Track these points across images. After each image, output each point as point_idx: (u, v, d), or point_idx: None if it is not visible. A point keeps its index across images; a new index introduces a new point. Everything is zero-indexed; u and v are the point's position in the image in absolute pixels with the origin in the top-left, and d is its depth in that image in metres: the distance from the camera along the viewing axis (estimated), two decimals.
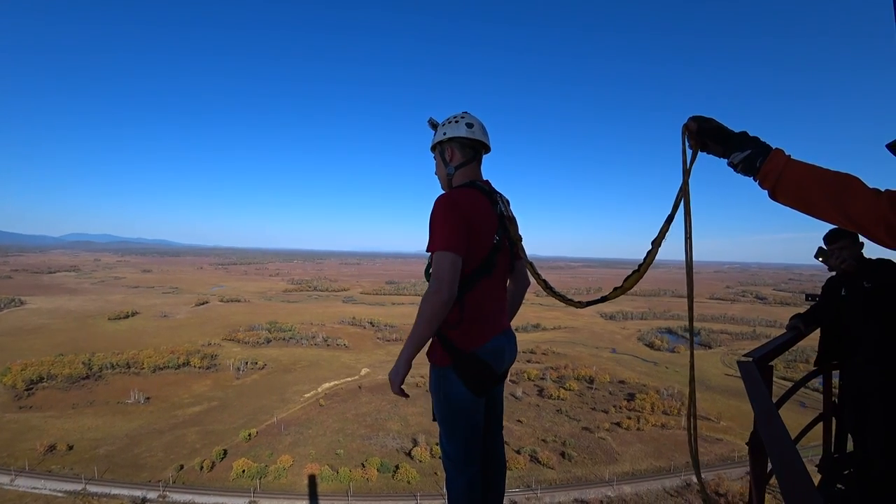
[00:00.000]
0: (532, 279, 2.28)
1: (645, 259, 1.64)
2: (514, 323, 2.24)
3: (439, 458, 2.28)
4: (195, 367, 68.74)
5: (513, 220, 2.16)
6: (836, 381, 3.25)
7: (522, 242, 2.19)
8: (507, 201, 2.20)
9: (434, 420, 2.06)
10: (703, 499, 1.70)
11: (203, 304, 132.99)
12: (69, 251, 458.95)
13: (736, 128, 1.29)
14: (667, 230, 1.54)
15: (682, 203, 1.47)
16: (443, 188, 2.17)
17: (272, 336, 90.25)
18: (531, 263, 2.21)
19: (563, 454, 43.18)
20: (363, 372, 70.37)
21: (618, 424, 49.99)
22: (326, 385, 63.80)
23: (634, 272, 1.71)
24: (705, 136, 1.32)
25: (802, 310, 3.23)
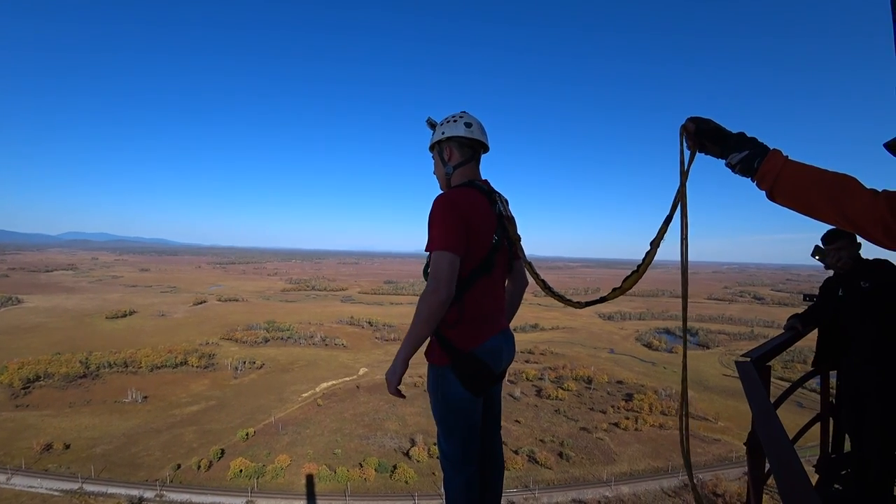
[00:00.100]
0: (531, 279, 2.28)
1: (644, 260, 1.64)
2: (512, 323, 2.23)
3: (437, 457, 2.27)
4: (193, 366, 68.58)
5: (511, 220, 2.16)
6: (833, 381, 3.26)
7: (521, 242, 2.18)
8: (506, 201, 2.20)
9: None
10: (696, 498, 1.70)
11: (201, 303, 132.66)
12: (67, 250, 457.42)
13: (735, 128, 1.29)
14: (665, 231, 1.54)
15: (679, 204, 1.47)
16: (441, 188, 2.17)
17: (270, 335, 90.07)
18: (530, 263, 2.20)
19: (561, 454, 43.23)
20: (361, 372, 70.34)
21: (616, 425, 50.05)
22: (324, 385, 63.75)
23: (633, 273, 1.70)
24: (703, 136, 1.32)
25: (800, 310, 3.23)
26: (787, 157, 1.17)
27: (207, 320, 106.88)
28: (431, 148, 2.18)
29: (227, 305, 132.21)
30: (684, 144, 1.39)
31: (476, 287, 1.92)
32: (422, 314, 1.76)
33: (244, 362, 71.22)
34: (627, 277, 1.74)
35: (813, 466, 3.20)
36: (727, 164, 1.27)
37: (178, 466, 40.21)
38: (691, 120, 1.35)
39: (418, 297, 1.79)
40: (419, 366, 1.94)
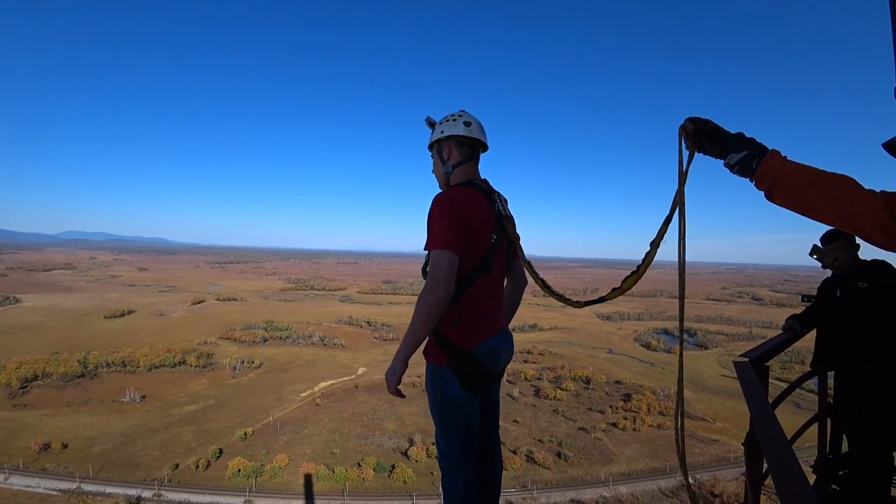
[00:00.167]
0: (530, 278, 2.28)
1: (643, 260, 1.64)
2: (510, 323, 2.23)
3: (435, 457, 2.26)
4: (191, 365, 68.48)
5: (510, 219, 2.15)
6: (831, 381, 3.26)
7: (520, 241, 2.18)
8: (505, 200, 2.20)
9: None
10: (690, 497, 1.70)
11: (199, 302, 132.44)
12: (65, 249, 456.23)
13: (734, 128, 1.29)
14: (665, 232, 1.54)
15: (678, 204, 1.47)
16: (440, 187, 2.17)
17: (269, 335, 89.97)
18: (529, 262, 2.20)
19: (559, 454, 43.27)
20: (360, 371, 70.30)
21: (614, 425, 50.11)
22: (323, 384, 63.71)
23: (633, 273, 1.70)
24: (702, 137, 1.32)
25: (798, 311, 3.24)
26: (786, 157, 1.17)
27: (206, 320, 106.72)
28: (430, 147, 2.18)
29: (225, 305, 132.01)
30: (683, 145, 1.39)
31: (475, 286, 1.91)
32: (421, 313, 1.76)
33: (242, 362, 71.14)
34: (627, 278, 1.74)
35: (811, 467, 3.20)
36: (726, 165, 1.27)
37: (177, 466, 40.16)
38: (690, 120, 1.35)
39: (417, 297, 1.79)
40: (417, 365, 1.94)
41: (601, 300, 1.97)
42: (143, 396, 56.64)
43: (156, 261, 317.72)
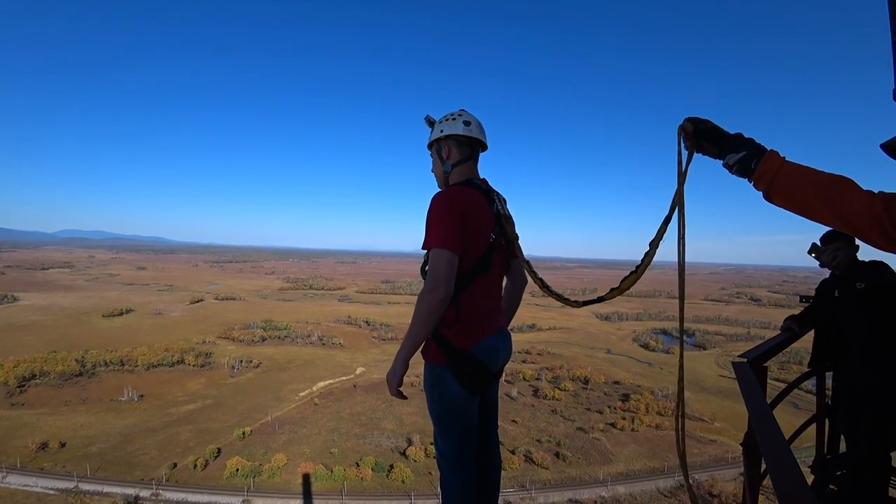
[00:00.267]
0: (529, 278, 2.28)
1: (642, 261, 1.64)
2: (510, 323, 2.23)
3: (434, 457, 2.26)
4: (189, 364, 68.35)
5: (509, 219, 2.15)
6: (829, 382, 3.27)
7: (519, 241, 2.18)
8: (504, 200, 2.19)
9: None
10: (691, 498, 1.71)
11: (198, 301, 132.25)
12: (63, 248, 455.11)
13: (733, 128, 1.29)
14: (664, 232, 1.54)
15: (677, 205, 1.47)
16: (439, 186, 2.16)
17: (267, 334, 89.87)
18: (528, 262, 2.20)
19: (557, 454, 43.28)
20: (358, 371, 70.23)
21: (612, 425, 50.14)
22: (321, 384, 63.63)
23: (632, 273, 1.70)
24: (701, 137, 1.32)
25: (797, 311, 3.24)
26: (785, 157, 1.17)
27: (204, 319, 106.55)
28: (430, 146, 2.18)
29: (224, 304, 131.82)
30: (682, 145, 1.39)
31: (474, 286, 1.91)
32: (421, 314, 1.75)
33: (241, 361, 71.03)
34: (626, 278, 1.74)
35: (809, 467, 3.21)
36: (724, 165, 1.27)
37: (175, 465, 40.05)
38: (689, 120, 1.35)
39: (416, 297, 1.78)
40: (416, 365, 1.94)
41: (600, 300, 1.97)
42: (142, 395, 56.51)
43: (154, 260, 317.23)
